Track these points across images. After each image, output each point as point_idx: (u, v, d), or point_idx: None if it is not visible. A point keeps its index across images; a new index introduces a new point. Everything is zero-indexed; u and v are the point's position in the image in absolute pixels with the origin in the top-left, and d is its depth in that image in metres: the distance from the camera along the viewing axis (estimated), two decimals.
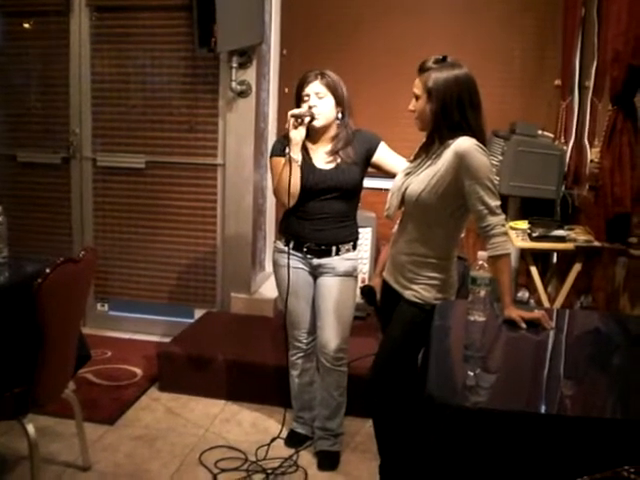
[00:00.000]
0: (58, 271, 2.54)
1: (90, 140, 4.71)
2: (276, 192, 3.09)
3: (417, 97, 2.52)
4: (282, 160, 3.00)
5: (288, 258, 3.09)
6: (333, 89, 3.00)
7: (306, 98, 2.99)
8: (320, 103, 2.98)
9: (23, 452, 2.94)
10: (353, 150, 3.04)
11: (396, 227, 2.74)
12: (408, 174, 2.62)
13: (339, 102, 3.02)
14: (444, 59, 2.49)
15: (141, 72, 4.60)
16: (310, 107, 2.97)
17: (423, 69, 2.51)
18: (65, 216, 4.83)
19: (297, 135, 2.97)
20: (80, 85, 4.64)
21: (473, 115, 2.47)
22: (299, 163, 2.97)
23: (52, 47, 4.66)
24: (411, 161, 2.68)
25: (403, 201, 2.59)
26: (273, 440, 3.30)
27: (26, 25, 4.70)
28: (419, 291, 2.59)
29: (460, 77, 2.46)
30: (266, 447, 3.24)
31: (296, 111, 2.97)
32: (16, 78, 4.78)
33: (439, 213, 2.52)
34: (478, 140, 2.45)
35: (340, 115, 3.04)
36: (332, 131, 3.06)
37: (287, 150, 2.98)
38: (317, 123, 3.00)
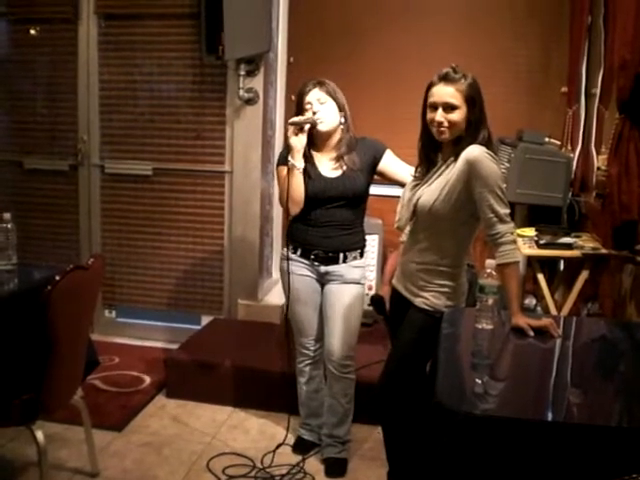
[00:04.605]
0: (67, 278, 2.55)
1: (98, 147, 4.73)
2: (280, 200, 3.11)
3: (454, 107, 2.45)
4: (286, 168, 3.02)
5: (288, 265, 3.10)
6: (333, 95, 3.02)
7: (308, 106, 3.00)
8: (323, 108, 2.99)
9: (32, 458, 2.96)
10: (358, 157, 3.05)
11: (404, 236, 2.74)
12: (417, 185, 2.62)
13: (340, 108, 3.04)
14: (455, 69, 2.50)
15: (149, 80, 4.62)
16: (314, 113, 2.98)
17: (452, 79, 2.46)
18: (73, 223, 4.84)
19: (297, 142, 2.97)
20: (88, 92, 4.66)
21: (485, 122, 2.50)
22: (301, 170, 2.98)
23: (60, 54, 4.68)
24: (416, 171, 2.69)
25: (415, 212, 2.59)
26: (278, 446, 3.30)
27: (34, 32, 4.72)
28: (429, 298, 2.59)
29: (478, 84, 2.49)
30: (272, 454, 3.25)
31: (296, 119, 2.98)
32: (24, 85, 4.80)
33: (452, 222, 2.52)
34: (488, 148, 2.47)
35: (343, 120, 3.06)
36: (336, 137, 3.07)
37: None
38: (322, 127, 3.01)
